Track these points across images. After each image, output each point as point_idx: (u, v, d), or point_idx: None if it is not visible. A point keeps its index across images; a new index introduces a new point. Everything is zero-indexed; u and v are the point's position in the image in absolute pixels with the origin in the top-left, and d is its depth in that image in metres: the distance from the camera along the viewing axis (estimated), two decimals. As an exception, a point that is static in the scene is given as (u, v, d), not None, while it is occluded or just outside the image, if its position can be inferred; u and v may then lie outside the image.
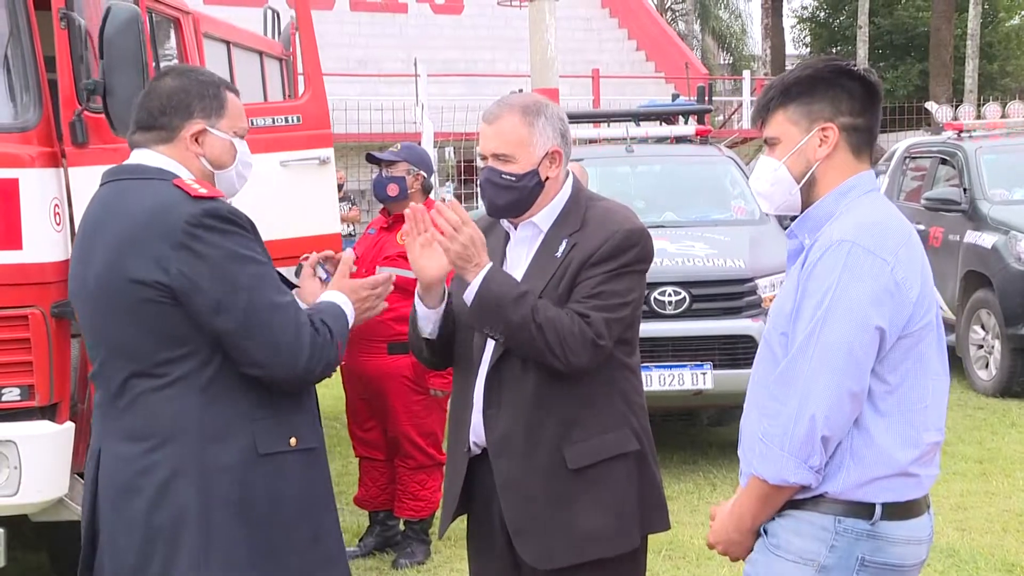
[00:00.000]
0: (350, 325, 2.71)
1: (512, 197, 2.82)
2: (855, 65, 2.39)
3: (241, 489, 2.48)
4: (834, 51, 32.17)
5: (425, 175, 5.26)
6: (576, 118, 9.07)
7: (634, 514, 2.83)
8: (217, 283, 2.41)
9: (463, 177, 19.51)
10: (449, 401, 3.04)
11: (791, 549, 2.30)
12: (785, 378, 2.25)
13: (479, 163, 2.95)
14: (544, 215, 2.86)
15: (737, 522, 2.37)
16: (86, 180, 4.35)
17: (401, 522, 5.57)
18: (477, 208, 15.10)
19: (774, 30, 33.66)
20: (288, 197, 4.72)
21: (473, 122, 16.51)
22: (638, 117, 8.91)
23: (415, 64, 17.22)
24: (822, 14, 33.58)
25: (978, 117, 10.82)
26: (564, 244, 2.81)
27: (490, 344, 2.83)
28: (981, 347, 8.96)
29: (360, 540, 5.58)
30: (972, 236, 8.84)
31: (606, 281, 2.75)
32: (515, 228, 2.91)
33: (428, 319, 2.85)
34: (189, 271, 2.41)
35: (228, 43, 6.87)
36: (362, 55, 22.41)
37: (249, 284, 2.44)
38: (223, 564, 2.46)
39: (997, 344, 8.73)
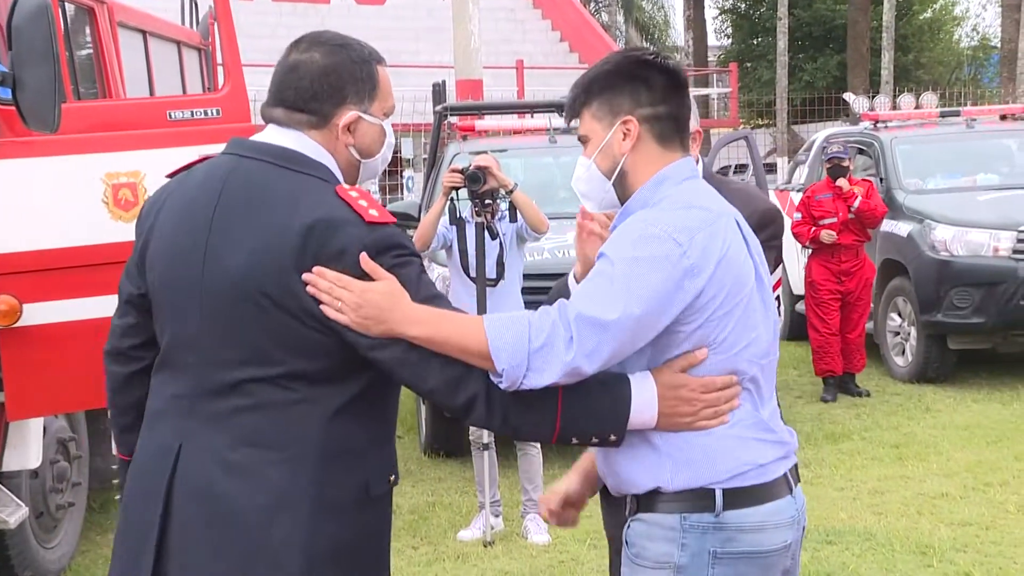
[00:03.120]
0: (635, 420, 2.20)
1: None
2: (654, 55, 2.37)
3: (349, 533, 2.20)
4: (755, 42, 32.60)
5: None
6: (499, 109, 9.07)
7: None
8: None
9: (388, 168, 19.42)
10: None
11: (648, 556, 2.27)
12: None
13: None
14: None
15: (401, 320, 2.11)
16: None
17: None
18: (401, 200, 15.01)
19: (696, 21, 33.96)
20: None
21: (397, 114, 16.37)
22: (561, 108, 8.92)
23: (338, 54, 17.05)
24: (743, 6, 33.98)
25: (893, 108, 11.02)
26: None
27: None
28: (897, 334, 9.13)
29: None
30: (888, 225, 9.00)
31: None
32: None
33: None
34: None
35: (144, 32, 6.75)
36: (283, 46, 22.11)
37: None
38: None
39: (913, 331, 8.90)
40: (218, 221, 2.19)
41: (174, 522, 2.18)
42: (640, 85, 2.32)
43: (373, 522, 2.27)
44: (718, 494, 2.21)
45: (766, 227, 3.05)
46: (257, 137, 2.28)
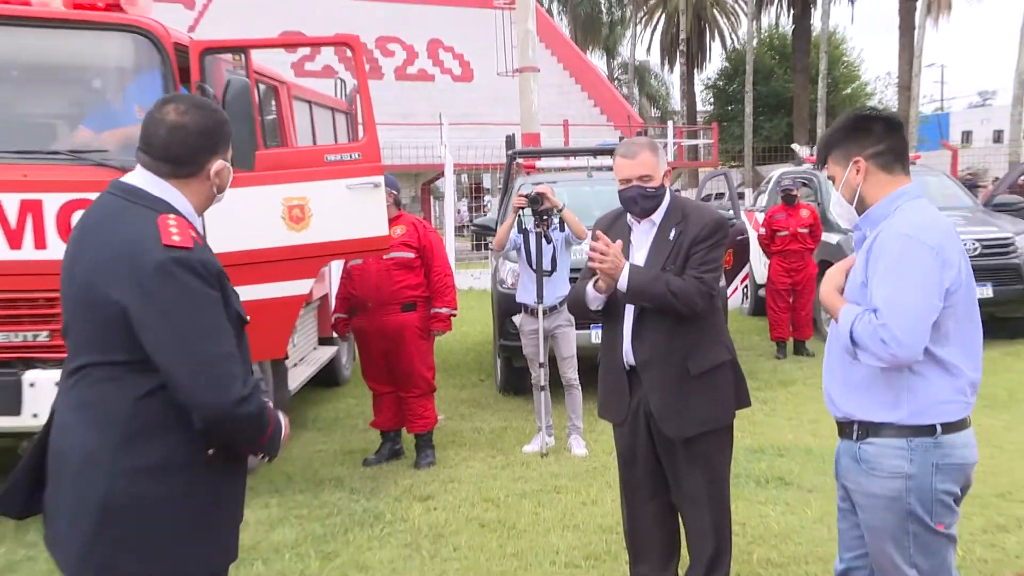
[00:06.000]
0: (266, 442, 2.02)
1: (654, 203, 3.04)
2: (871, 110, 2.33)
3: (148, 496, 1.89)
4: (729, 108, 32.02)
5: (396, 192, 5.22)
6: (552, 153, 9.01)
7: (731, 399, 3.02)
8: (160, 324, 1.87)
9: (473, 195, 19.37)
10: (601, 337, 3.18)
11: (882, 468, 2.22)
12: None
13: (618, 187, 3.05)
14: (657, 214, 3.06)
15: (830, 305, 2.35)
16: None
17: (395, 437, 5.43)
18: (484, 216, 14.98)
19: (688, 93, 33.58)
20: (353, 210, 4.67)
21: (481, 157, 16.42)
22: (596, 152, 8.84)
23: (440, 116, 17.13)
24: (721, 82, 33.44)
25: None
26: (673, 232, 2.99)
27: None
28: (830, 312, 8.92)
29: (376, 452, 5.42)
30: (825, 236, 8.83)
31: (709, 252, 2.95)
32: (638, 223, 3.08)
33: (598, 299, 3.04)
34: (140, 309, 1.88)
35: (310, 103, 6.81)
36: (403, 109, 22.24)
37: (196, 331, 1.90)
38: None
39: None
40: (74, 241, 2.01)
41: (48, 474, 1.99)
42: (863, 133, 2.28)
43: (178, 487, 1.91)
44: (937, 425, 2.19)
45: (716, 232, 2.96)
46: (125, 177, 2.04)
